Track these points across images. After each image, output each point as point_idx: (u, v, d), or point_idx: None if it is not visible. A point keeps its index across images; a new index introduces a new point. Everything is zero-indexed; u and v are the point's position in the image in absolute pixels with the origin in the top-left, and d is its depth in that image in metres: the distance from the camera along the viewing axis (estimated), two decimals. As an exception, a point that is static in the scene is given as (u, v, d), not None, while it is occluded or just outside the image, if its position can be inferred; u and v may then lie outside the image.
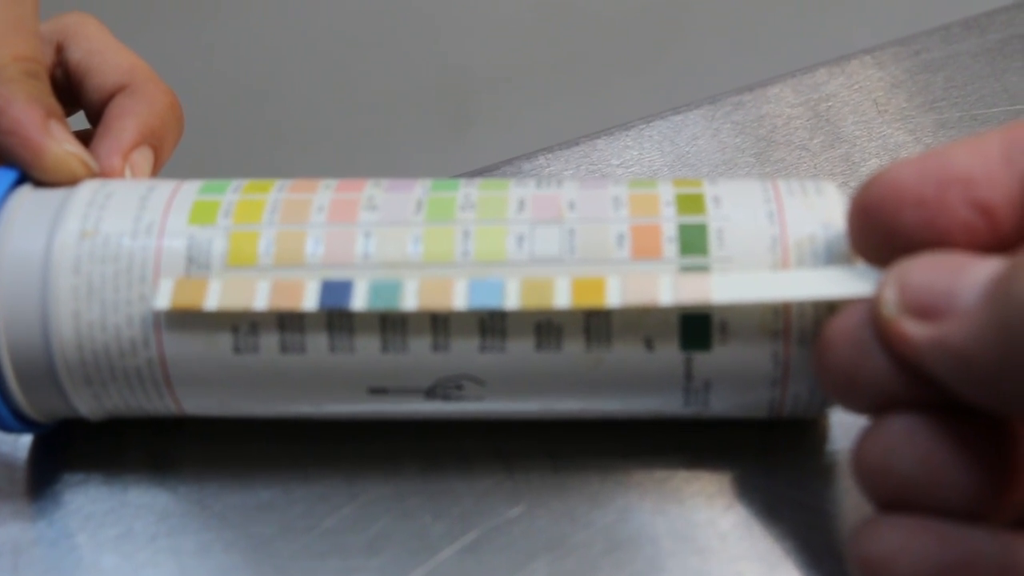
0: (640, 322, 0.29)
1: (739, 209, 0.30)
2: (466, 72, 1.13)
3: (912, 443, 0.25)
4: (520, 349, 0.29)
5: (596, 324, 0.29)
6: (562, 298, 0.28)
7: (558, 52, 1.13)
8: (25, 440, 0.34)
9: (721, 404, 0.30)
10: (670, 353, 0.29)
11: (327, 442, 0.33)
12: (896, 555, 0.25)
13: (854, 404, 0.27)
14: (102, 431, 0.34)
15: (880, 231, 0.26)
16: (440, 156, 1.09)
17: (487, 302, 0.28)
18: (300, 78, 1.14)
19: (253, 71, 1.14)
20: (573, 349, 0.29)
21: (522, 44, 1.13)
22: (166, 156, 0.35)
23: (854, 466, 0.26)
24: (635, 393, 0.30)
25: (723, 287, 0.28)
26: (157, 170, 0.35)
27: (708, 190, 0.30)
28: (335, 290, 0.29)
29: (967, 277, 0.25)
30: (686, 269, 0.29)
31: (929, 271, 0.25)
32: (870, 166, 0.40)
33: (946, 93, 0.42)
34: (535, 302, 0.28)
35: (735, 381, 0.29)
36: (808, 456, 0.32)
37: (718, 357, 0.29)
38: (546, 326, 0.29)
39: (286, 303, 0.29)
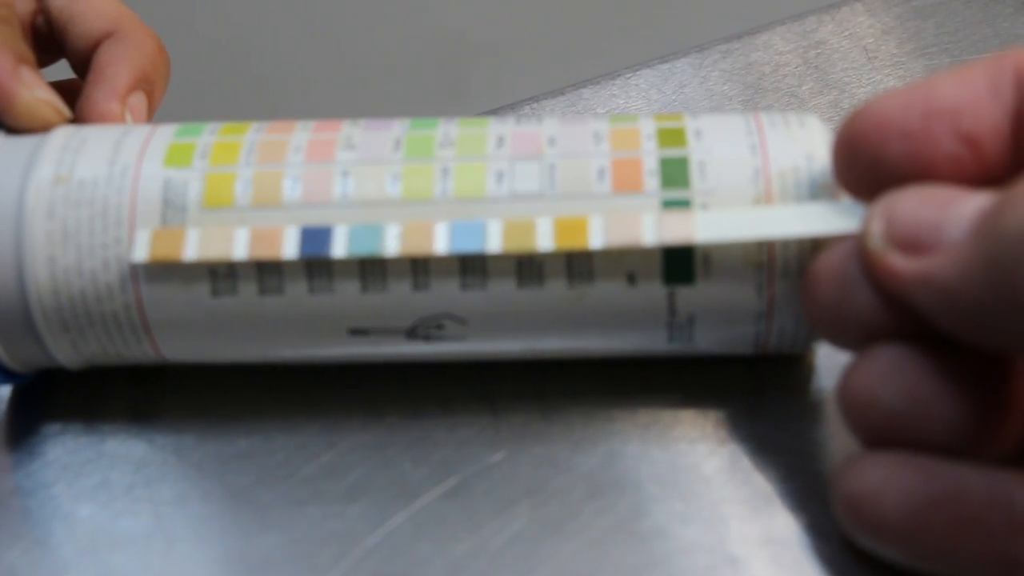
0: (622, 257, 0.28)
1: (721, 142, 0.29)
2: (458, 34, 1.13)
3: (899, 376, 0.25)
4: (501, 287, 0.29)
5: (578, 259, 0.28)
6: (544, 240, 0.28)
7: (545, 4, 1.12)
8: (2, 390, 0.34)
9: (706, 339, 0.30)
10: (653, 288, 0.29)
11: (306, 390, 0.33)
12: (880, 490, 0.25)
13: (841, 340, 0.26)
14: (80, 382, 0.33)
15: (865, 164, 0.26)
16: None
17: (469, 246, 0.28)
18: (293, 47, 1.13)
19: (245, 36, 1.13)
20: (555, 285, 0.29)
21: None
22: (157, 102, 0.35)
23: (840, 400, 0.26)
24: (619, 329, 0.29)
25: (707, 225, 0.27)
26: (150, 117, 0.35)
27: (689, 124, 0.30)
28: (315, 237, 0.28)
29: (955, 211, 0.24)
30: (668, 203, 0.28)
31: (916, 204, 0.25)
32: (860, 112, 0.39)
33: (937, 39, 0.41)
34: (517, 245, 0.28)
35: (719, 315, 0.29)
36: (793, 398, 0.31)
37: (702, 291, 0.29)
38: (527, 262, 0.29)
39: (265, 252, 0.28)
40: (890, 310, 0.25)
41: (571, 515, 0.29)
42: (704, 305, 0.29)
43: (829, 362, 0.32)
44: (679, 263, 0.28)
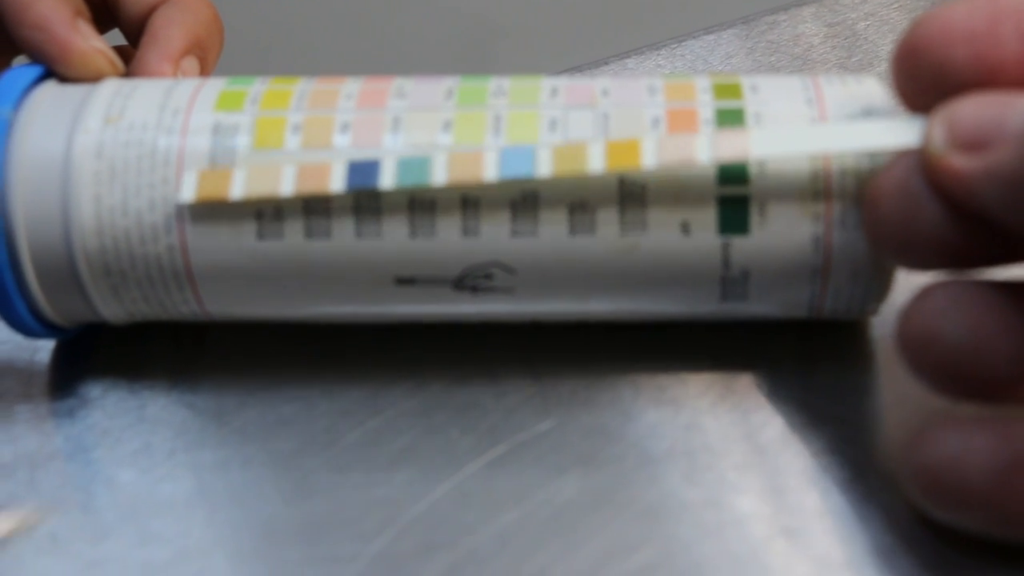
0: (676, 203, 0.28)
1: (777, 96, 0.29)
2: (485, 16, 1.12)
3: (961, 309, 0.24)
4: (552, 233, 0.28)
5: (632, 207, 0.28)
6: (596, 162, 0.27)
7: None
8: (43, 354, 0.33)
9: (760, 298, 0.29)
10: (707, 237, 0.28)
11: (351, 356, 0.32)
12: (961, 457, 0.24)
13: (909, 258, 0.26)
14: (121, 345, 0.33)
15: (929, 71, 0.25)
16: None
17: (518, 171, 0.27)
18: (312, 32, 1.13)
19: (262, 18, 1.13)
20: (607, 233, 0.28)
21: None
22: (210, 70, 0.35)
23: (899, 337, 0.25)
24: (671, 284, 0.29)
25: (763, 141, 0.27)
26: None
27: (745, 81, 0.29)
28: (362, 170, 0.28)
29: (1015, 107, 0.24)
30: None
31: (977, 106, 0.25)
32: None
33: (989, 12, 0.41)
34: (568, 167, 0.27)
35: (774, 270, 0.28)
36: (847, 369, 0.31)
37: (757, 242, 0.28)
38: (579, 207, 0.28)
39: (313, 186, 0.28)
40: (957, 220, 0.25)
41: (622, 485, 0.29)
42: (759, 258, 0.28)
43: (882, 331, 0.31)
44: (735, 211, 0.28)
